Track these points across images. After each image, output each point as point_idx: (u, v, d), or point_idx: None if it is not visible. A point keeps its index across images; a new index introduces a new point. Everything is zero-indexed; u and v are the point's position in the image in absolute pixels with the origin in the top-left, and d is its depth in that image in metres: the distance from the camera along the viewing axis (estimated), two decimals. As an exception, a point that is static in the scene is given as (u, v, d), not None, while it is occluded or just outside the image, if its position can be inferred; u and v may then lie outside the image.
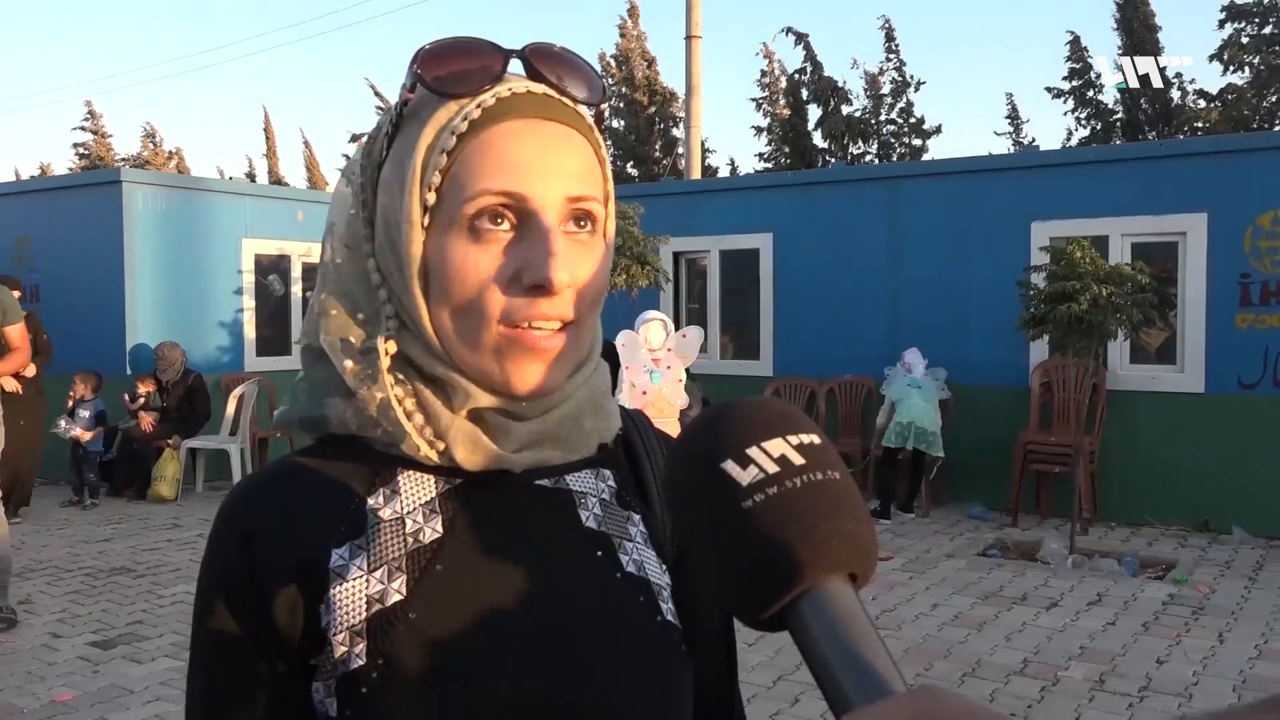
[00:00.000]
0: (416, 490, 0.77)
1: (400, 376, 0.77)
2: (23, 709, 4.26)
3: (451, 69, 0.73)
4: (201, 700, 0.78)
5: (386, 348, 0.76)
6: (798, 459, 0.49)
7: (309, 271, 10.61)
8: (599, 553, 0.79)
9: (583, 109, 0.76)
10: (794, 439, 0.50)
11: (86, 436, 8.47)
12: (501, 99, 0.73)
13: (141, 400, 8.84)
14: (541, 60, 0.75)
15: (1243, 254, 7.28)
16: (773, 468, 0.49)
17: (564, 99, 0.75)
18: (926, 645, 4.98)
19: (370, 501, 0.77)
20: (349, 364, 0.77)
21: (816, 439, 0.51)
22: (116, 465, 8.98)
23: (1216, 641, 5.03)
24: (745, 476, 0.48)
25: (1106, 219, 7.73)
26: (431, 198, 0.73)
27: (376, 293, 0.77)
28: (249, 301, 10.01)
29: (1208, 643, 5.01)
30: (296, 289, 10.47)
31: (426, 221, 0.74)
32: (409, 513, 0.76)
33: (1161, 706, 4.24)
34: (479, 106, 0.72)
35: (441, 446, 0.76)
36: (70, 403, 8.63)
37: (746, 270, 9.51)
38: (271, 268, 10.29)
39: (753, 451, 0.49)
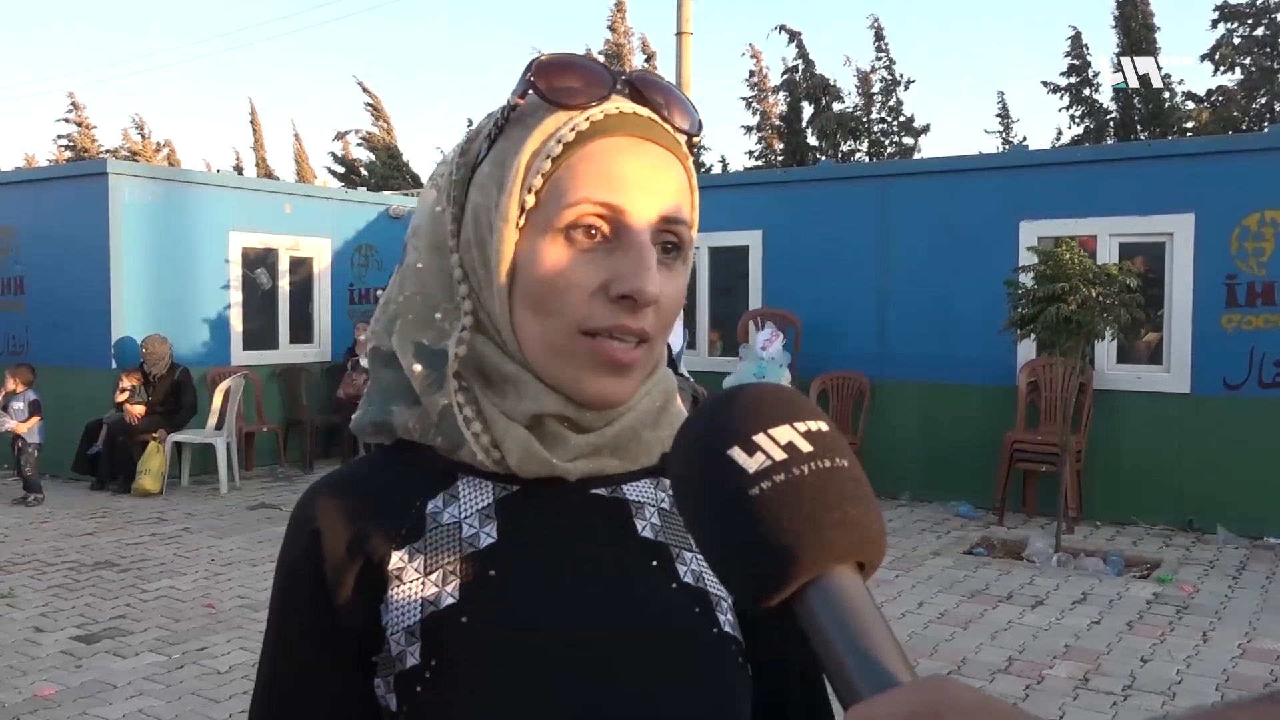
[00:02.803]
0: (475, 496, 0.79)
1: (465, 383, 0.79)
2: (4, 703, 4.23)
3: (565, 81, 0.75)
4: (266, 685, 0.81)
5: (458, 351, 0.78)
6: (806, 446, 0.49)
7: (296, 265, 10.56)
8: (654, 562, 0.80)
9: (680, 137, 0.79)
10: (802, 426, 0.50)
11: (23, 428, 8.34)
12: (609, 115, 0.75)
13: (126, 394, 8.78)
14: (646, 86, 0.78)
15: (1229, 255, 7.31)
16: (780, 455, 0.48)
17: (665, 124, 0.77)
18: (912, 643, 4.99)
19: (430, 506, 0.79)
20: (417, 368, 0.79)
21: (825, 426, 0.50)
22: (101, 459, 8.92)
23: (1200, 640, 5.06)
24: (752, 464, 0.48)
25: (1094, 219, 7.75)
26: (530, 200, 0.75)
27: (457, 288, 0.79)
28: (236, 295, 9.95)
29: (1191, 642, 5.04)
30: (284, 282, 10.42)
31: (522, 222, 0.75)
32: (466, 518, 0.78)
33: (1145, 705, 4.26)
34: (588, 119, 0.75)
35: (497, 455, 0.77)
36: (3, 398, 8.42)
37: (736, 267, 9.51)
38: (259, 261, 10.24)
39: (760, 438, 0.49)
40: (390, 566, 0.77)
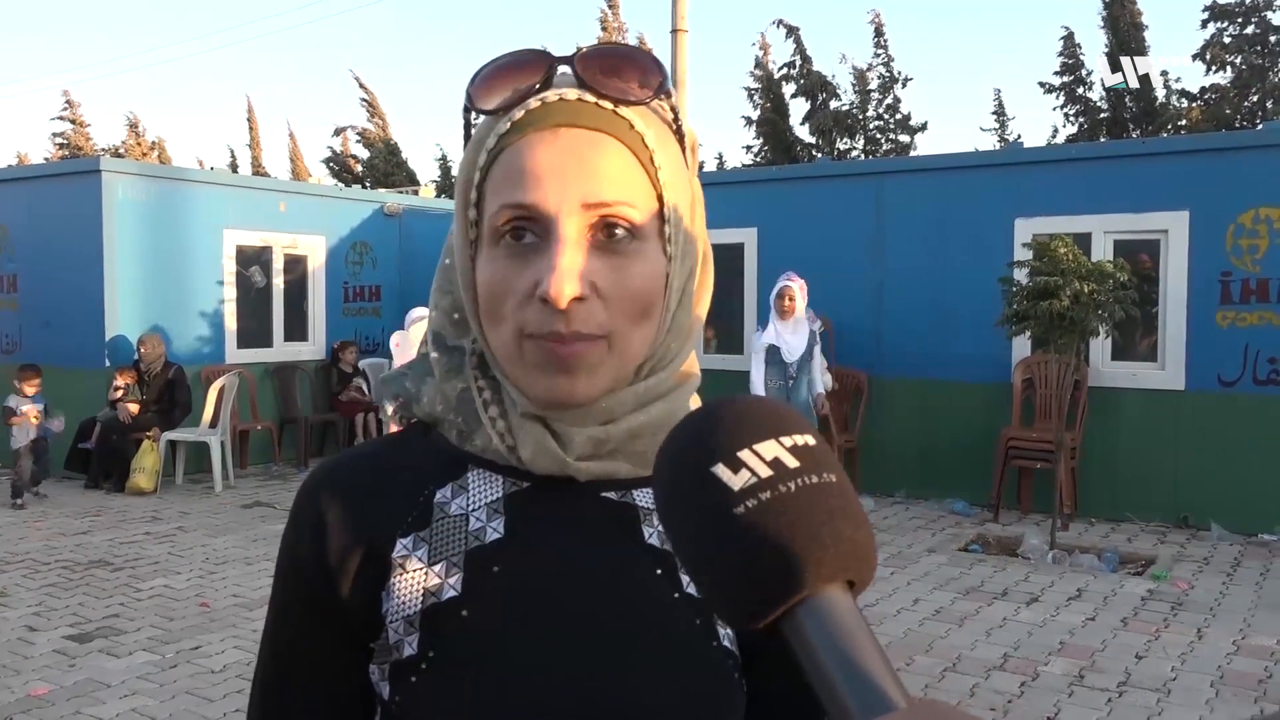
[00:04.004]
0: (484, 489, 0.79)
1: (491, 373, 0.79)
2: (-3, 703, 4.22)
3: (492, 87, 0.74)
4: (264, 663, 0.81)
5: (473, 347, 0.79)
6: (792, 461, 0.47)
7: (291, 263, 10.54)
8: (659, 570, 0.79)
9: (626, 111, 0.73)
10: (787, 440, 0.48)
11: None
12: (530, 111, 0.72)
13: (121, 392, 8.75)
14: (584, 65, 0.73)
15: (1224, 252, 7.32)
16: (766, 471, 0.47)
17: (601, 103, 0.72)
18: (908, 640, 4.99)
19: (438, 495, 0.78)
20: (435, 354, 0.81)
21: (811, 440, 0.49)
22: (95, 457, 8.89)
23: (1195, 637, 5.06)
24: (737, 481, 0.46)
25: (1090, 216, 7.76)
26: (473, 214, 0.75)
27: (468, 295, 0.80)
28: (230, 293, 9.93)
29: (1186, 638, 5.04)
30: (278, 280, 10.40)
31: (473, 236, 0.75)
32: (474, 510, 0.78)
33: (1140, 702, 4.27)
34: (509, 121, 0.72)
35: (511, 442, 0.77)
36: (14, 401, 8.33)
37: (731, 264, 9.50)
38: (254, 259, 10.22)
39: (744, 455, 0.47)
40: (394, 554, 0.76)
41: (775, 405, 0.51)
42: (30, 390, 8.32)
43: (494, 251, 0.73)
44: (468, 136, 0.77)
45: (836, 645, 0.44)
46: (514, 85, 0.73)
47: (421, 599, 0.75)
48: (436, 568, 0.76)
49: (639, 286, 0.73)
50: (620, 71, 0.73)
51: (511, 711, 0.72)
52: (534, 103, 0.72)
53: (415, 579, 0.75)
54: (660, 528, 0.79)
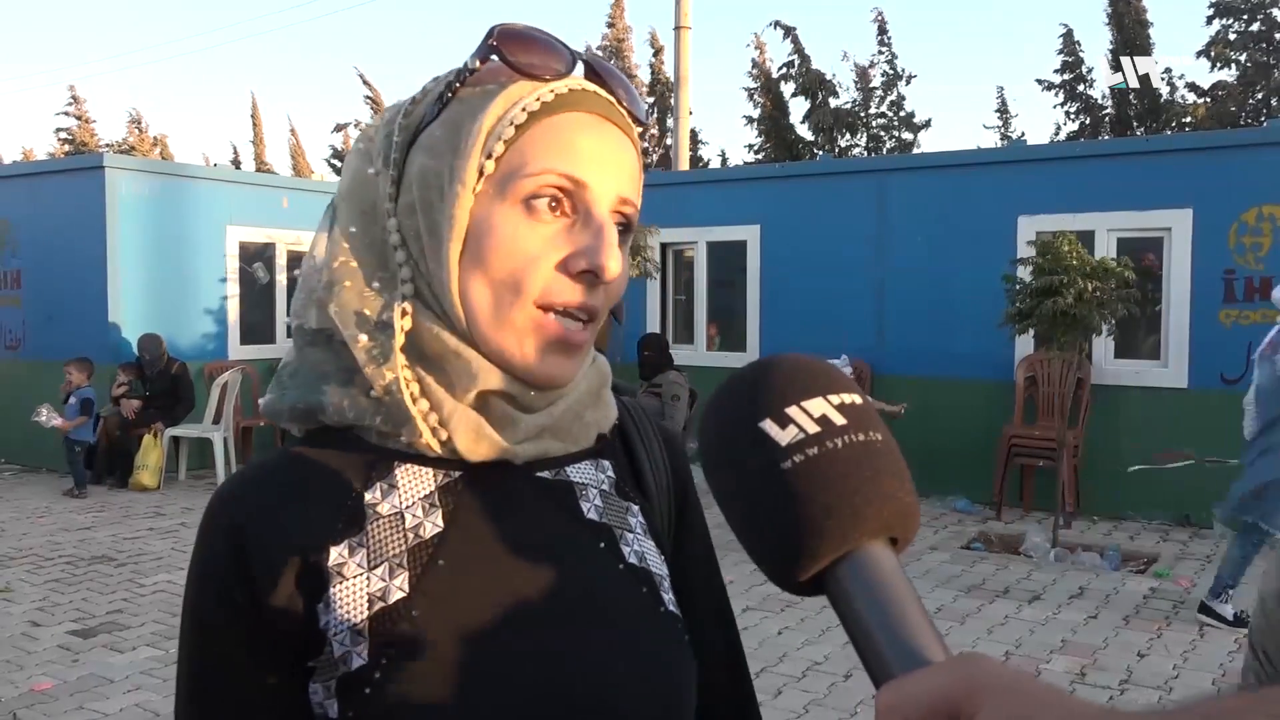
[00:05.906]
0: (415, 484, 0.76)
1: (406, 361, 0.75)
2: (1, 698, 4.23)
3: (529, 52, 0.74)
4: (188, 697, 0.75)
5: (403, 324, 0.74)
6: (839, 419, 0.48)
7: (294, 259, 10.54)
8: (601, 544, 0.79)
9: (631, 123, 0.79)
10: (835, 398, 0.49)
11: (68, 425, 8.37)
12: (574, 90, 0.75)
13: (124, 388, 8.76)
14: (601, 68, 0.78)
15: (1227, 250, 7.31)
16: (813, 428, 0.47)
17: (621, 107, 0.77)
18: (909, 638, 4.99)
19: (367, 496, 0.75)
20: (363, 339, 0.75)
21: (858, 399, 0.50)
22: (98, 453, 8.90)
23: (1197, 635, 5.06)
24: (785, 436, 0.47)
25: (1093, 214, 7.74)
26: (490, 166, 0.73)
27: (394, 255, 0.76)
28: (233, 289, 9.94)
29: (1188, 636, 5.04)
30: (281, 276, 10.40)
31: (478, 188, 0.73)
32: (408, 507, 0.75)
33: (1142, 700, 4.27)
34: (552, 92, 0.74)
35: (444, 435, 0.74)
36: (64, 393, 8.41)
37: (734, 261, 9.50)
38: (256, 255, 10.22)
39: (792, 411, 0.48)
40: (330, 563, 0.72)
41: (823, 364, 0.51)
42: (78, 382, 8.39)
43: (514, 209, 0.73)
44: (460, 79, 0.75)
45: (878, 600, 0.45)
46: (546, 56, 0.75)
47: (367, 605, 0.71)
48: (378, 571, 0.72)
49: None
50: (626, 87, 0.78)
51: (477, 704, 0.71)
52: (577, 85, 0.75)
53: (357, 586, 0.72)
54: (595, 501, 0.80)
